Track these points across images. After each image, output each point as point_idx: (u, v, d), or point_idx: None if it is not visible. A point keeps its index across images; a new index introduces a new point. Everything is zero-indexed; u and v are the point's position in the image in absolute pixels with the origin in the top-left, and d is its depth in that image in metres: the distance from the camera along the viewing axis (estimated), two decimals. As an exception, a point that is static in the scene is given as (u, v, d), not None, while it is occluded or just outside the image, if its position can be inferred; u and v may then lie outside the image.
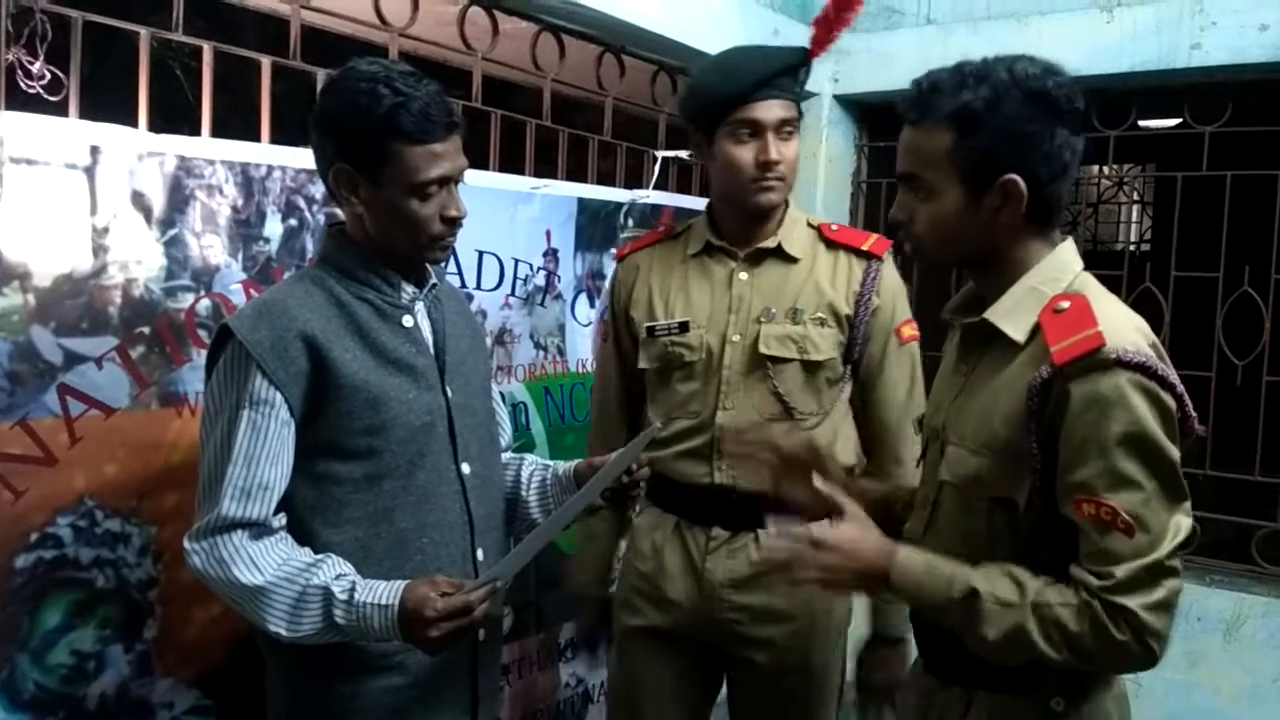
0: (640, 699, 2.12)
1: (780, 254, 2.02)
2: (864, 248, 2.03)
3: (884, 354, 2.02)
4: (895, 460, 2.04)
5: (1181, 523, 1.28)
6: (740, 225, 2.03)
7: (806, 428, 1.97)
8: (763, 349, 1.96)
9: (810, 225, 2.07)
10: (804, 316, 1.97)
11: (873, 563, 1.40)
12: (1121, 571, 1.26)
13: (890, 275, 2.05)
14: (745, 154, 1.93)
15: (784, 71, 1.93)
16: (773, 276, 2.01)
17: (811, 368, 1.97)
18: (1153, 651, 1.27)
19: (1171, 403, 1.28)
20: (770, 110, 1.92)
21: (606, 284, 2.28)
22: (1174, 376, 1.29)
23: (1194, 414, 1.32)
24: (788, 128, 1.94)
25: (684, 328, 2.02)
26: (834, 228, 2.08)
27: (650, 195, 2.90)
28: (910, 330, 2.06)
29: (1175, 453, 1.28)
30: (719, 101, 1.94)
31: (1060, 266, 1.40)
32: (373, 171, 1.50)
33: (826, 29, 2.01)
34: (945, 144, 1.36)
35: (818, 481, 1.51)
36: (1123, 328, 1.30)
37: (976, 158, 1.34)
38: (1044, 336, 1.32)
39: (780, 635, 2.01)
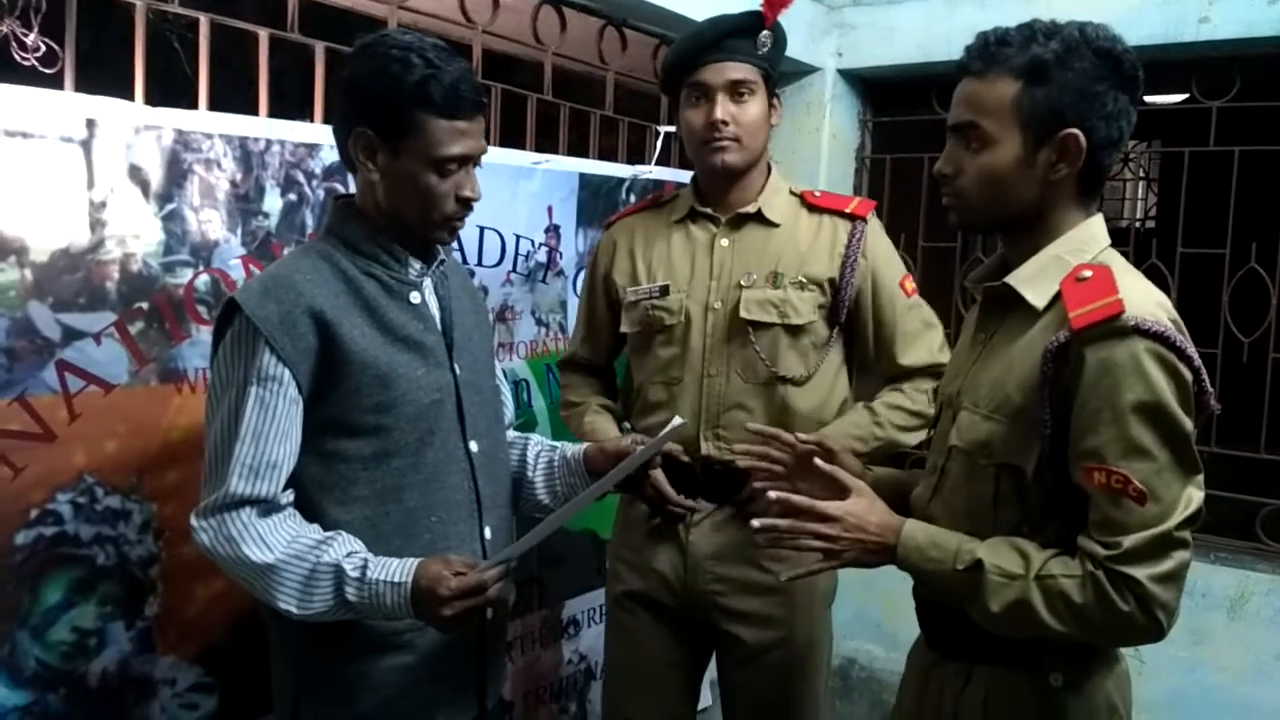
0: (633, 666, 2.16)
1: (761, 219, 2.04)
2: (848, 210, 2.06)
3: (893, 310, 2.04)
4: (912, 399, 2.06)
5: (1193, 495, 1.27)
6: (718, 191, 2.06)
7: (794, 389, 2.00)
8: (743, 314, 1.99)
9: (793, 193, 2.09)
10: (784, 280, 2.00)
11: (878, 536, 1.41)
12: (1129, 541, 1.25)
13: (876, 235, 2.07)
14: (696, 117, 1.99)
15: (733, 34, 1.96)
16: (753, 241, 2.04)
17: (793, 331, 2.00)
18: (1159, 623, 1.27)
19: (1188, 375, 1.27)
20: (719, 72, 1.95)
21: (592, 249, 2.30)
22: (1192, 350, 1.27)
23: (1211, 389, 1.30)
24: (742, 89, 1.96)
25: (664, 291, 2.05)
26: (817, 194, 2.11)
27: (653, 170, 2.88)
28: (911, 285, 2.08)
29: (1189, 424, 1.27)
30: (673, 68, 2.01)
31: (1088, 238, 1.39)
32: (394, 139, 1.49)
33: None
34: (1010, 93, 1.35)
35: (819, 463, 1.50)
36: (1143, 299, 1.29)
37: (1041, 108, 1.34)
38: (1064, 303, 1.31)
39: (762, 608, 2.03)
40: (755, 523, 1.44)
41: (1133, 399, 1.25)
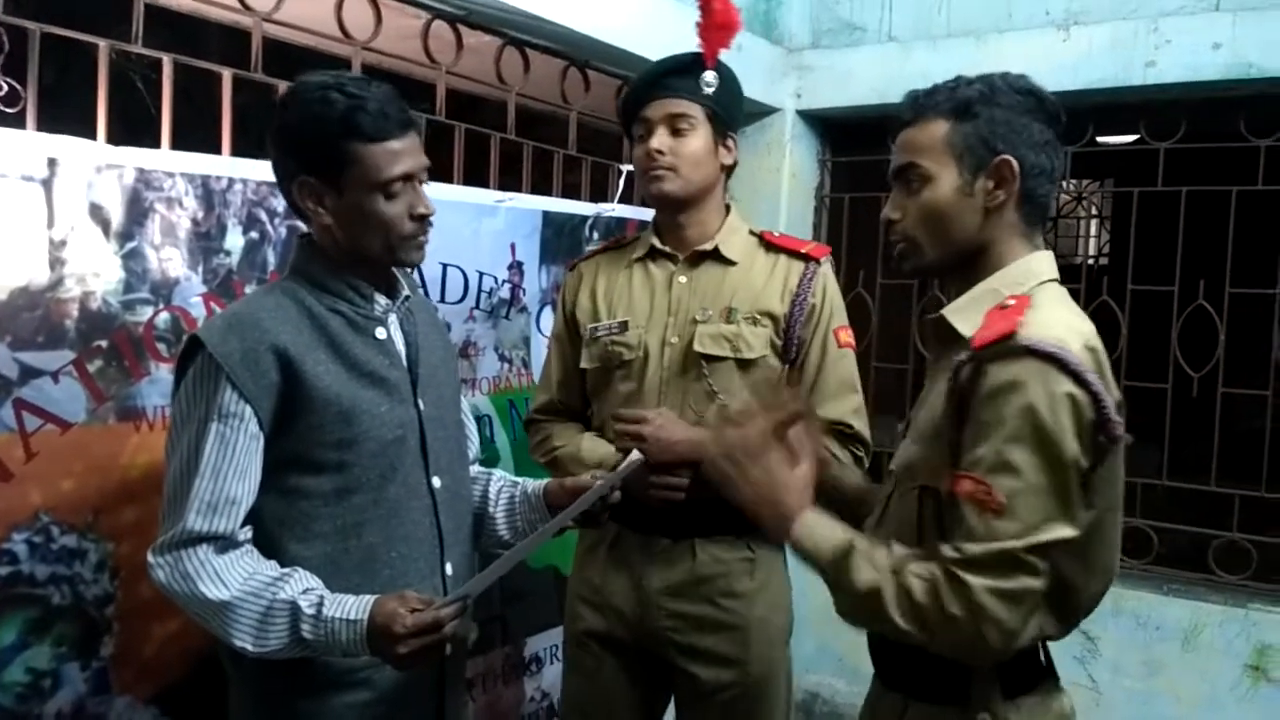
0: (591, 705, 2.15)
1: (717, 257, 2.09)
2: (803, 251, 2.11)
3: (823, 356, 2.06)
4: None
5: (1058, 527, 1.27)
6: (670, 225, 2.11)
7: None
8: (697, 347, 2.02)
9: (752, 233, 2.14)
10: (737, 316, 2.03)
11: (789, 500, 1.43)
12: (974, 549, 1.26)
13: (827, 279, 2.11)
14: (639, 150, 2.06)
15: (673, 72, 2.05)
16: (710, 279, 2.08)
17: (745, 365, 2.03)
18: (986, 640, 1.26)
19: (1085, 399, 1.28)
20: (658, 108, 2.03)
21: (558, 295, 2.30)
22: (1093, 377, 1.28)
23: (1117, 418, 1.30)
24: (682, 123, 2.03)
25: (624, 327, 2.08)
26: (776, 234, 2.15)
27: (615, 208, 2.91)
28: (846, 336, 2.10)
29: (1071, 450, 1.27)
30: (623, 109, 2.11)
31: (1025, 272, 1.43)
32: (336, 177, 1.50)
33: (706, 35, 2.08)
34: (942, 131, 1.42)
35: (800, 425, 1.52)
36: (1054, 325, 1.31)
37: (972, 140, 1.40)
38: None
39: (716, 645, 2.04)
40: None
41: (1014, 416, 1.26)
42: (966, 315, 1.41)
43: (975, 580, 1.25)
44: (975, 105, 1.40)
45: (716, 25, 2.07)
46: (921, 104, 1.44)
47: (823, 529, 1.41)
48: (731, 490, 1.46)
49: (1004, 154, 1.39)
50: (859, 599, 1.34)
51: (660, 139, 2.01)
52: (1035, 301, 1.35)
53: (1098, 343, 1.34)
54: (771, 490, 1.44)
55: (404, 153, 1.51)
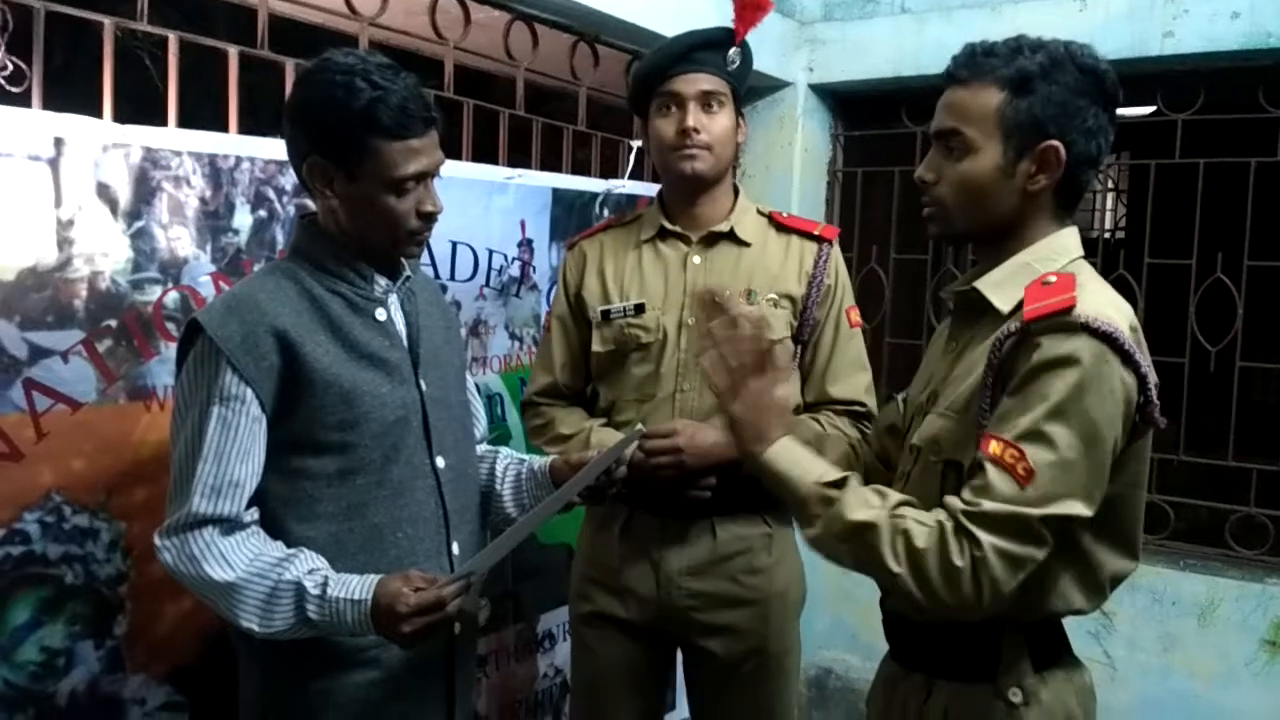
0: (599, 685, 2.16)
1: (732, 238, 2.07)
2: (815, 232, 2.09)
3: (835, 336, 2.07)
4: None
5: (1073, 503, 1.25)
6: (685, 205, 2.08)
7: None
8: None
9: (761, 213, 2.12)
10: (758, 298, 2.02)
11: (766, 426, 1.40)
12: (991, 505, 1.24)
13: (838, 260, 2.11)
14: (668, 126, 2.01)
15: (705, 46, 2.00)
16: (726, 260, 2.06)
17: None
18: (981, 594, 1.24)
19: (1132, 382, 1.27)
20: (690, 83, 1.98)
21: (557, 274, 2.27)
22: (1141, 358, 1.27)
23: (1157, 402, 1.30)
24: (713, 101, 1.99)
25: (640, 310, 2.05)
26: (784, 215, 2.13)
27: (625, 185, 2.89)
28: (856, 316, 2.11)
29: (1112, 431, 1.26)
30: (644, 79, 2.03)
31: (1060, 249, 1.41)
32: (348, 165, 1.48)
33: (742, 13, 2.05)
34: (995, 102, 1.36)
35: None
36: (1101, 303, 1.29)
37: (1024, 119, 1.35)
38: (1024, 303, 1.32)
39: (737, 620, 2.05)
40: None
41: (1063, 391, 1.24)
42: (1003, 290, 1.39)
43: (985, 536, 1.23)
44: (1034, 81, 1.34)
45: (754, 5, 2.05)
46: (978, 64, 1.38)
47: (804, 456, 1.38)
48: (724, 399, 1.43)
49: (1053, 139, 1.35)
50: (847, 531, 1.30)
51: (695, 116, 1.97)
52: (1079, 279, 1.32)
53: (1137, 322, 1.33)
54: (759, 408, 1.40)
55: (421, 151, 1.50)
